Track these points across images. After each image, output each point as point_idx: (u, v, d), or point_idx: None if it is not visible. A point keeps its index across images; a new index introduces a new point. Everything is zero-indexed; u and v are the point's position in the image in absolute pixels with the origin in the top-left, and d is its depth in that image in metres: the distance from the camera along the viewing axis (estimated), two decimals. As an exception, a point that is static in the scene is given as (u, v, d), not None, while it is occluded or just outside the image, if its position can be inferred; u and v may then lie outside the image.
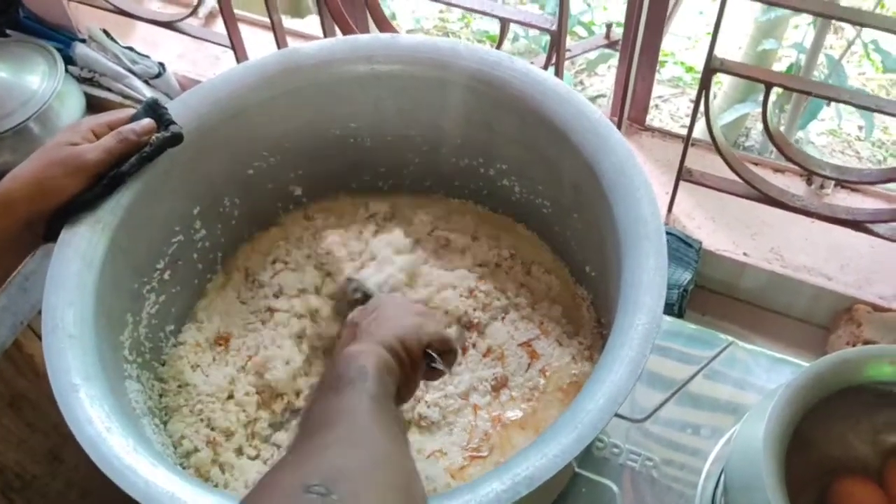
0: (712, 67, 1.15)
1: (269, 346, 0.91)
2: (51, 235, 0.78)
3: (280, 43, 1.44)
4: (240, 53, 1.48)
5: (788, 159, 1.26)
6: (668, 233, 1.34)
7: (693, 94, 1.96)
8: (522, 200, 1.01)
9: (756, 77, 1.16)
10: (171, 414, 0.87)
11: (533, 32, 2.70)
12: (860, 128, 2.82)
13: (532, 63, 0.92)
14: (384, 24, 1.42)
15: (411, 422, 0.86)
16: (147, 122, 0.81)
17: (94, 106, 1.47)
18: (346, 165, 1.03)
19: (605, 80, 2.90)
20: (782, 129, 1.63)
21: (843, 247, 1.45)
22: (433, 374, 0.75)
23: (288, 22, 1.66)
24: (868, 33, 2.40)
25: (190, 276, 0.96)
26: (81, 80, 1.49)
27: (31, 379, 1.26)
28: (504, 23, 1.24)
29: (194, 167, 0.90)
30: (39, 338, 1.25)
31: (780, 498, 0.68)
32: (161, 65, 1.53)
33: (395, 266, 0.93)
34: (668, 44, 2.82)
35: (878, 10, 2.09)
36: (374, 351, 0.64)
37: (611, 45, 1.54)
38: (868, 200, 1.49)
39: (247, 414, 0.87)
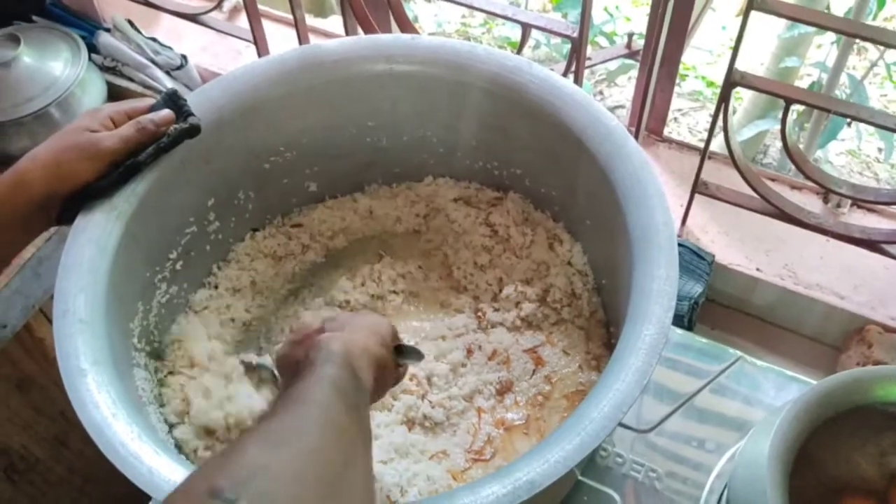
0: (733, 81, 1.14)
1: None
2: (64, 218, 0.78)
3: (302, 39, 1.45)
4: (262, 48, 1.49)
5: (806, 176, 1.25)
6: (680, 245, 1.34)
7: (712, 108, 1.96)
8: (535, 205, 1.01)
9: (777, 92, 1.15)
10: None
11: (554, 40, 2.70)
12: (880, 150, 2.80)
13: (552, 70, 0.92)
14: (406, 26, 1.42)
15: (415, 421, 0.86)
16: (166, 112, 0.81)
17: (115, 95, 1.48)
18: (362, 164, 1.04)
19: (624, 91, 2.90)
20: (801, 147, 1.62)
21: (858, 267, 1.44)
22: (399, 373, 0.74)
23: (311, 20, 1.66)
24: (891, 54, 2.39)
25: (202, 267, 0.96)
26: (104, 69, 1.50)
27: (40, 363, 1.27)
28: (526, 28, 1.23)
29: (211, 159, 0.90)
30: (51, 322, 1.26)
31: (784, 516, 0.68)
32: (183, 57, 1.54)
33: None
34: (689, 57, 2.82)
35: (902, 31, 2.07)
36: (344, 338, 0.62)
37: (632, 54, 1.53)
38: (884, 221, 1.48)
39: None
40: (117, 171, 0.78)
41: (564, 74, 1.27)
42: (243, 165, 0.95)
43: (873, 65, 2.67)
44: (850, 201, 1.47)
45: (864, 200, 1.35)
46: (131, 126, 0.79)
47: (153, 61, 1.52)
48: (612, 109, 2.76)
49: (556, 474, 0.59)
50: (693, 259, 1.40)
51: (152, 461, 0.63)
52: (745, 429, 0.92)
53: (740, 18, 1.08)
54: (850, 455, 0.82)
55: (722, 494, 0.86)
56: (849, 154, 2.80)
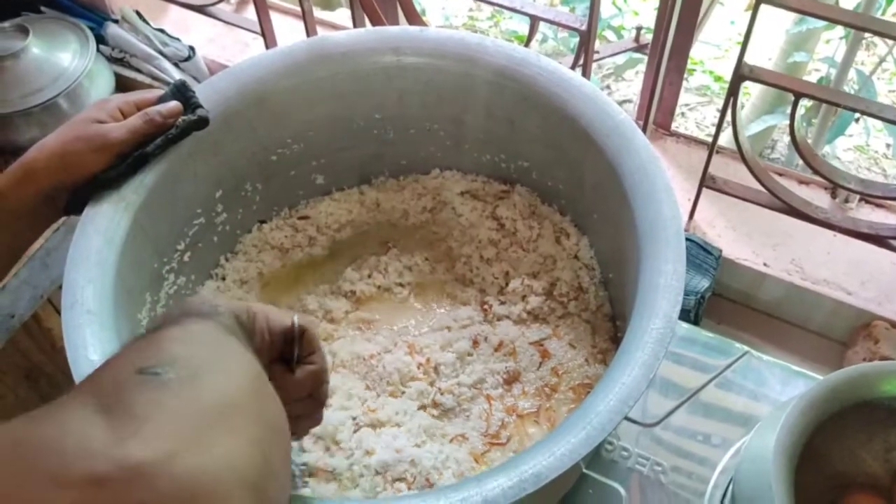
0: (741, 74, 1.14)
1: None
2: (72, 208, 0.78)
3: (310, 31, 1.45)
4: (269, 40, 1.49)
5: (814, 171, 1.25)
6: (688, 239, 1.33)
7: (720, 103, 1.95)
8: (542, 198, 1.01)
9: (785, 86, 1.15)
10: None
11: (561, 34, 2.69)
12: (888, 145, 2.79)
13: (559, 63, 0.92)
14: (414, 18, 1.42)
15: (426, 406, 0.87)
16: (174, 104, 0.81)
17: (123, 86, 1.48)
18: (369, 157, 1.04)
19: (631, 85, 2.89)
20: (809, 142, 1.61)
21: (865, 262, 1.44)
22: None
23: (318, 13, 1.66)
24: (901, 49, 2.38)
25: (210, 258, 0.96)
26: (112, 60, 1.50)
27: (47, 352, 1.28)
28: (534, 20, 1.24)
29: (218, 150, 0.90)
30: (58, 312, 1.27)
31: (789, 510, 0.67)
32: (191, 48, 1.54)
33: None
34: (697, 52, 2.81)
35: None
36: (226, 302, 0.56)
37: (640, 48, 1.53)
38: (892, 216, 1.48)
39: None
40: (125, 161, 0.78)
41: (572, 68, 1.26)
42: (251, 157, 0.95)
43: (882, 60, 2.66)
44: (857, 196, 1.47)
45: (872, 195, 1.34)
46: (139, 117, 0.79)
47: (161, 53, 1.52)
48: (620, 104, 2.74)
49: (563, 467, 0.59)
50: (700, 253, 1.40)
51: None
52: (750, 424, 0.91)
53: (749, 13, 1.08)
54: (855, 450, 0.81)
55: (727, 489, 0.86)
56: (857, 150, 2.79)
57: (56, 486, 0.34)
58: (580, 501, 0.88)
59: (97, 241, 0.76)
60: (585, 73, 1.28)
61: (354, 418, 0.84)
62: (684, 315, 1.34)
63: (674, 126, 1.60)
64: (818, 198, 1.50)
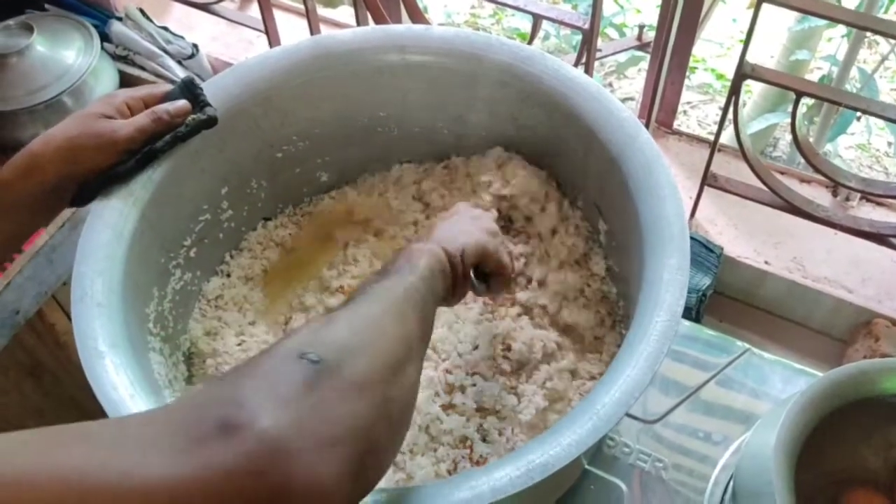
0: (743, 73, 1.15)
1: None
2: (79, 201, 0.78)
3: (313, 29, 1.46)
4: (273, 38, 1.50)
5: (815, 169, 1.26)
6: (690, 237, 1.34)
7: (722, 101, 1.96)
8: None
9: (787, 85, 1.16)
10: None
11: (564, 32, 2.70)
12: (889, 144, 2.80)
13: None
14: (418, 16, 1.42)
15: (438, 394, 0.88)
16: (182, 103, 0.82)
17: (126, 83, 1.49)
18: (374, 154, 1.04)
19: (633, 83, 2.90)
20: (811, 140, 1.62)
21: (866, 260, 1.45)
22: (478, 291, 0.80)
23: (321, 10, 1.67)
24: (902, 48, 2.38)
25: (215, 255, 0.97)
26: (116, 58, 1.51)
27: (51, 348, 1.29)
28: (537, 19, 1.24)
29: (224, 147, 0.91)
30: (62, 308, 1.27)
31: (790, 506, 0.68)
32: (195, 46, 1.55)
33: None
34: (699, 50, 2.82)
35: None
36: (432, 251, 0.68)
37: (642, 46, 1.54)
38: (893, 215, 1.49)
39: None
40: (134, 157, 0.79)
41: (575, 65, 1.27)
42: (257, 154, 0.96)
43: (884, 58, 2.66)
44: (858, 195, 1.47)
45: (873, 194, 1.35)
46: (147, 116, 0.79)
47: (165, 50, 1.53)
48: (622, 101, 2.75)
49: (569, 457, 0.60)
50: (702, 251, 1.41)
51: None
52: (751, 421, 0.92)
53: (751, 11, 1.09)
54: (856, 447, 0.82)
55: (727, 486, 0.87)
56: (858, 148, 2.79)
57: None
58: (582, 497, 0.89)
59: (106, 235, 0.77)
60: (588, 71, 1.28)
61: None
62: (686, 313, 1.35)
63: (676, 124, 1.61)
64: (819, 196, 1.51)
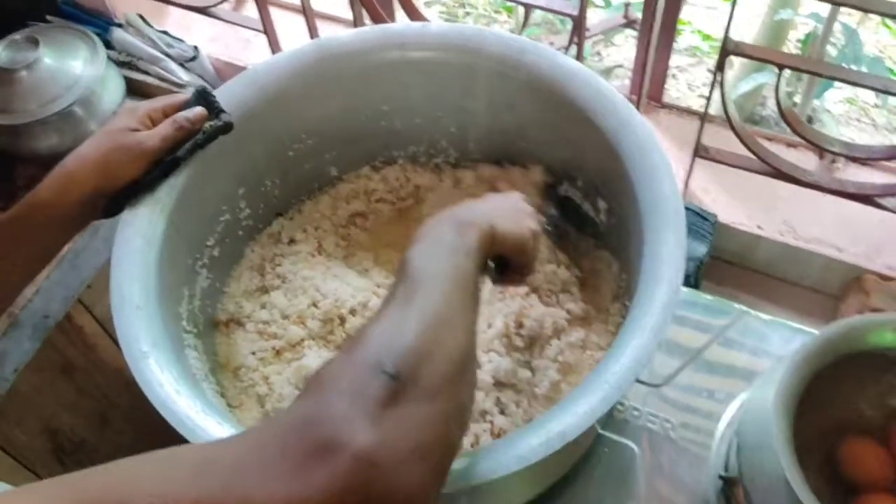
0: (727, 50, 1.19)
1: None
2: (110, 212, 0.83)
3: (311, 26, 1.48)
4: (271, 37, 1.52)
5: (801, 137, 1.30)
6: (684, 207, 1.39)
7: (710, 63, 1.97)
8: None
9: (768, 58, 1.20)
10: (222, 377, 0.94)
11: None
12: (877, 95, 2.82)
13: (552, 43, 0.95)
14: (414, 13, 1.45)
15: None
16: (200, 110, 0.85)
17: (133, 89, 1.51)
18: (378, 146, 1.08)
19: (621, 49, 2.90)
20: (799, 98, 1.66)
21: (853, 220, 1.48)
22: (492, 277, 0.78)
23: (315, 3, 1.70)
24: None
25: (236, 251, 1.02)
26: (119, 64, 1.52)
27: (80, 348, 1.34)
28: (527, 8, 1.28)
29: (239, 150, 0.94)
30: (88, 311, 1.32)
31: (789, 456, 0.72)
32: (195, 48, 1.57)
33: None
34: (685, 13, 2.81)
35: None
36: (483, 230, 0.64)
37: (629, 23, 1.57)
38: (877, 175, 1.52)
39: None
40: (159, 167, 0.83)
41: (566, 50, 1.31)
42: (269, 154, 1.00)
43: (866, 13, 2.68)
44: (844, 157, 1.51)
45: (857, 157, 1.39)
46: (169, 125, 0.83)
47: (167, 54, 1.55)
48: (611, 69, 2.77)
49: (585, 425, 0.64)
50: (696, 220, 1.45)
51: (217, 432, 0.69)
52: (751, 379, 0.96)
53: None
54: (851, 398, 0.86)
55: (732, 440, 0.91)
56: (847, 102, 2.82)
57: None
58: (597, 460, 0.93)
59: (138, 242, 0.81)
60: (579, 56, 1.32)
61: None
62: (685, 280, 1.39)
63: (665, 89, 1.63)
64: (806, 160, 1.54)
